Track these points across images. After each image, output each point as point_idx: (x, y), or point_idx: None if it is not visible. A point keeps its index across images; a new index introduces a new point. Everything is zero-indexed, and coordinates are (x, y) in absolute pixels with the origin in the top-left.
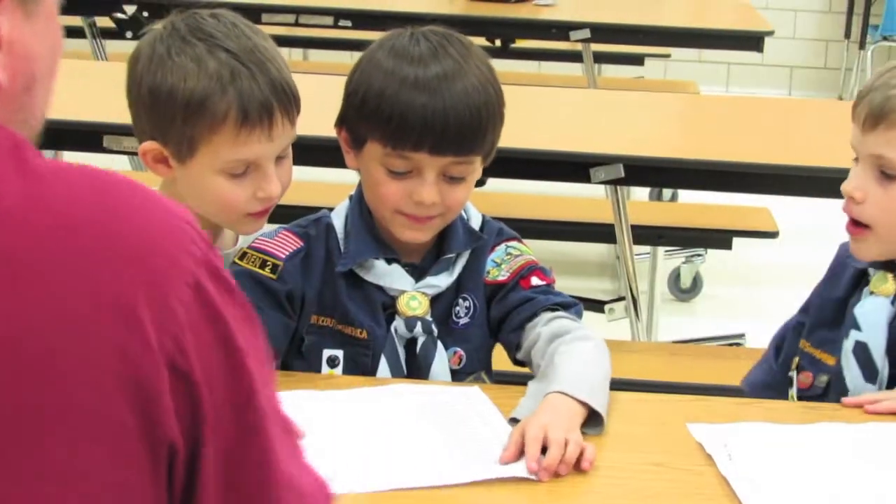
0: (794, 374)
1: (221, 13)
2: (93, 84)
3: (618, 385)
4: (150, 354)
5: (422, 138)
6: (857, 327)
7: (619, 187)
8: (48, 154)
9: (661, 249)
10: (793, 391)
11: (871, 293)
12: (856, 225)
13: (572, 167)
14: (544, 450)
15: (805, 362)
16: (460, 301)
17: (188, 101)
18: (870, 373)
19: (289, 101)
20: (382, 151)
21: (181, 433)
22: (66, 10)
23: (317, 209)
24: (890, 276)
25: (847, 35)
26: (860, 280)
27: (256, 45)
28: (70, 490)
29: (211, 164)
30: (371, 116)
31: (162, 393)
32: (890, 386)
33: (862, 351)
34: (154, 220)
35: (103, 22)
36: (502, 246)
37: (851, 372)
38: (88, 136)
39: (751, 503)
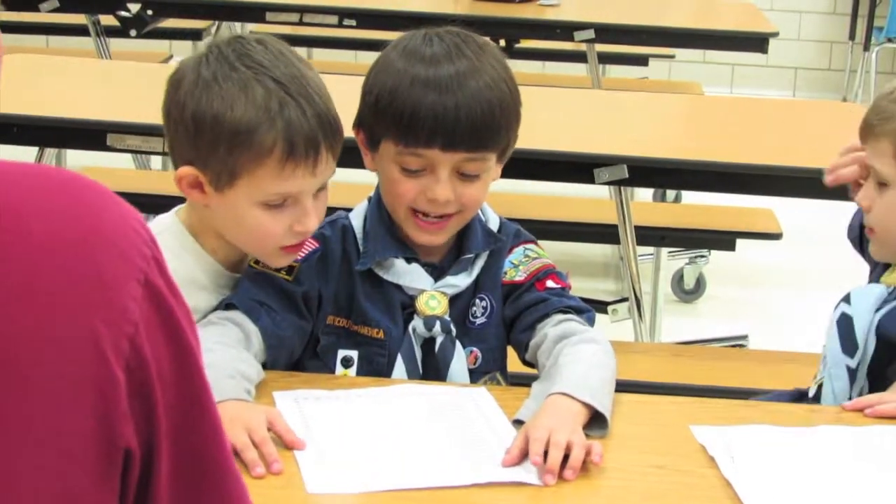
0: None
1: (268, 40)
2: (97, 82)
3: (620, 386)
4: (104, 358)
5: (433, 134)
6: (847, 301)
7: (622, 188)
8: (51, 152)
9: (664, 250)
10: None
11: (880, 280)
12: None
13: (576, 168)
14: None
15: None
16: (477, 301)
17: (235, 131)
18: (849, 346)
19: (334, 136)
20: (396, 150)
21: (136, 437)
22: (70, 8)
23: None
24: None
25: (851, 37)
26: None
27: (304, 75)
28: (20, 497)
29: (250, 196)
30: (384, 115)
31: (118, 397)
32: (872, 364)
33: (846, 323)
34: (105, 219)
35: (107, 20)
36: (520, 248)
37: (831, 341)
38: (92, 135)
39: None
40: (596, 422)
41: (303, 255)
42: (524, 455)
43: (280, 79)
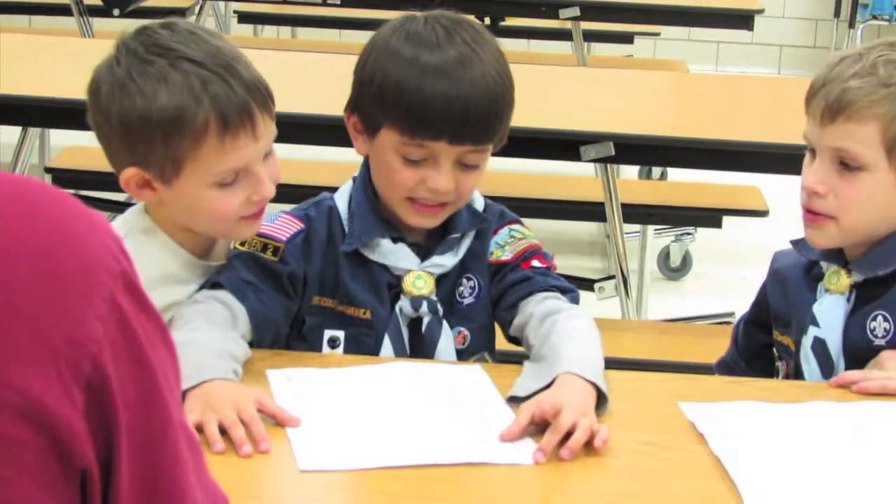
0: (779, 363)
1: (175, 23)
2: (80, 61)
3: (608, 364)
4: (61, 377)
5: (442, 128)
6: (816, 324)
7: (608, 165)
8: (34, 131)
9: (650, 228)
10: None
11: (827, 290)
12: (816, 213)
13: (562, 145)
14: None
15: (781, 351)
16: (464, 281)
17: (164, 121)
18: (826, 369)
19: (264, 98)
20: (399, 140)
21: (95, 457)
22: None
23: (308, 187)
24: (843, 272)
25: (836, 14)
26: (810, 271)
27: (219, 49)
28: None
29: (200, 179)
30: (390, 106)
31: (74, 418)
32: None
33: (820, 347)
34: (72, 232)
35: None
36: (505, 228)
37: (810, 367)
38: (75, 114)
39: (742, 482)
40: (598, 401)
41: (287, 235)
42: (524, 433)
43: (195, 58)
